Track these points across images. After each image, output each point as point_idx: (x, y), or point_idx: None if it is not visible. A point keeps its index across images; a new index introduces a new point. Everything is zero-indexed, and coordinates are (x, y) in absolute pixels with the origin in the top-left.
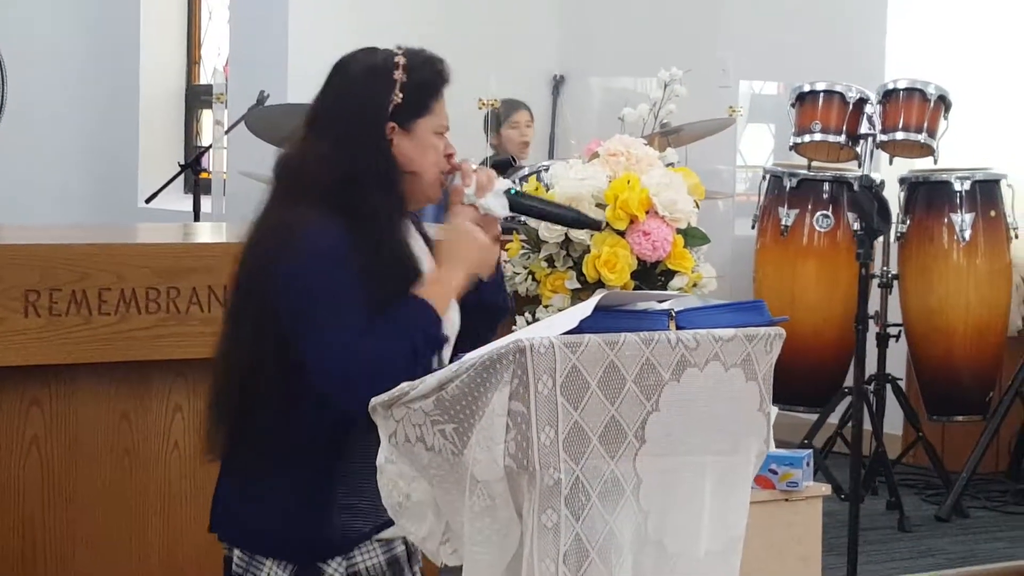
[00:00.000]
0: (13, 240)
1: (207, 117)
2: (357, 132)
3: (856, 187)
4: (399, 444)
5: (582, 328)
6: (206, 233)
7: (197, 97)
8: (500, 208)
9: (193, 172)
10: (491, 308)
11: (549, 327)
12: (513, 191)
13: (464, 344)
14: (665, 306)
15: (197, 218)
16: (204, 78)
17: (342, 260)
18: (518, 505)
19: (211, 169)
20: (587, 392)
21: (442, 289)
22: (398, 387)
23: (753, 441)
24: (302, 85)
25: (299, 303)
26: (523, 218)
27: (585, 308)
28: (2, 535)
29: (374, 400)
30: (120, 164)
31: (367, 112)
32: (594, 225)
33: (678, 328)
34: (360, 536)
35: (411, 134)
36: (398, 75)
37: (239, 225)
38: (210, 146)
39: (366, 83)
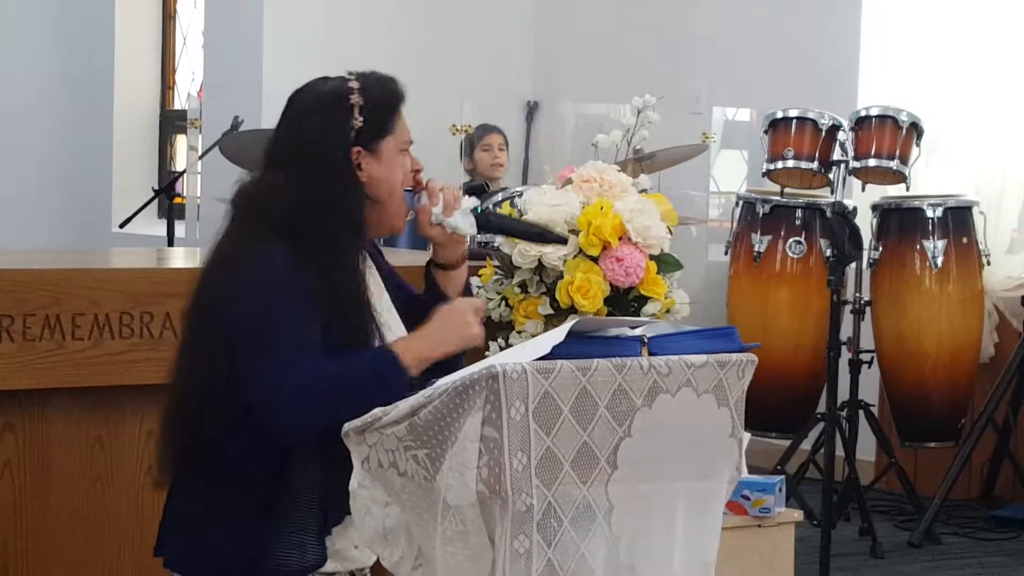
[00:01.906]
0: None
1: (181, 142)
2: (321, 161)
3: (828, 213)
4: (372, 469)
5: (555, 354)
6: (180, 258)
7: (171, 122)
8: (467, 226)
9: (167, 197)
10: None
11: (521, 353)
12: (479, 209)
13: (436, 371)
14: (638, 332)
15: (171, 243)
16: (179, 103)
17: (285, 289)
18: (490, 530)
19: (185, 194)
20: (559, 418)
21: (420, 352)
22: (371, 412)
23: (725, 467)
24: (277, 111)
25: (238, 332)
26: (496, 241)
27: (558, 334)
28: None
29: (347, 426)
30: (94, 189)
31: (330, 140)
32: (559, 240)
33: (651, 354)
34: (300, 570)
35: (377, 155)
36: (355, 99)
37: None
38: (184, 171)
39: (324, 112)
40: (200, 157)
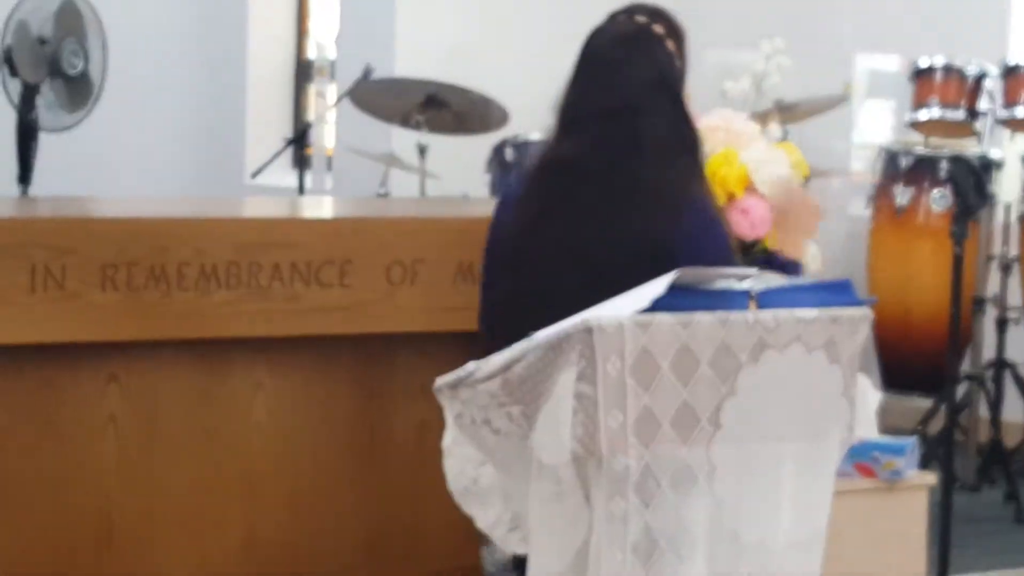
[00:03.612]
0: (92, 213)
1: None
2: (673, 107)
3: (960, 166)
4: (465, 426)
5: (656, 307)
6: (306, 208)
7: (306, 72)
8: None
9: (299, 147)
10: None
11: (620, 306)
12: None
13: None
14: (745, 285)
15: (302, 193)
16: (315, 53)
17: None
18: (586, 492)
19: (313, 144)
20: (658, 374)
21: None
22: (464, 367)
23: (836, 428)
24: (410, 61)
25: None
26: None
27: (659, 286)
28: (78, 514)
29: (439, 381)
30: (227, 139)
31: (669, 86)
32: None
33: (759, 308)
34: None
35: (687, 98)
36: (670, 45)
37: (344, 199)
38: (314, 121)
39: (658, 56)
40: (332, 106)
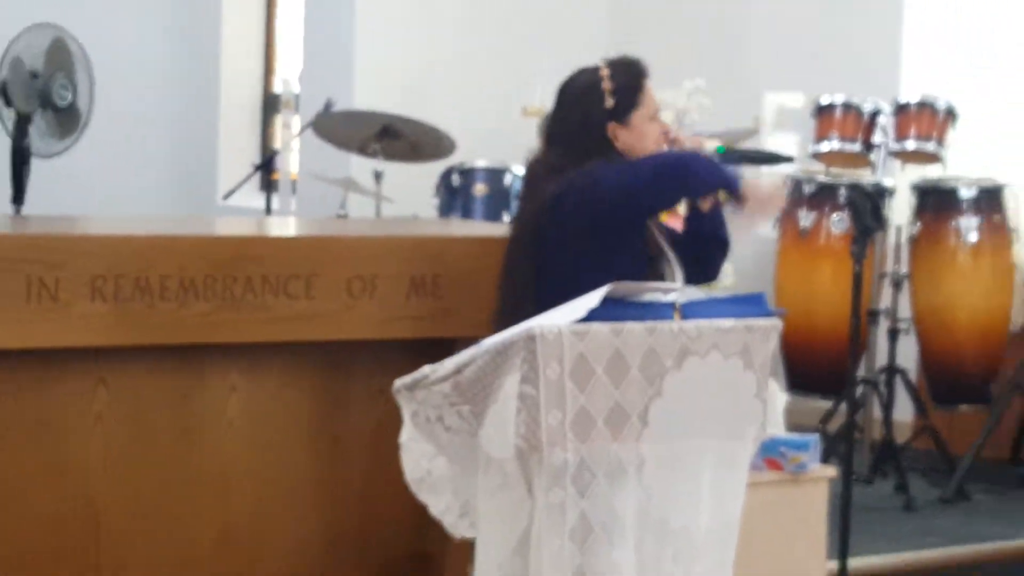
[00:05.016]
0: (82, 231)
1: (280, 123)
2: (583, 138)
3: (857, 193)
4: (420, 423)
5: (591, 317)
6: (274, 227)
7: (273, 104)
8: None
9: (266, 172)
10: (712, 239)
11: (559, 316)
12: (720, 149)
13: (696, 271)
14: (671, 298)
15: (269, 213)
16: (281, 87)
17: None
18: (529, 483)
19: (279, 170)
20: (593, 378)
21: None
22: (419, 370)
23: (750, 427)
24: (367, 94)
25: None
26: None
27: (594, 298)
28: (68, 506)
29: (397, 382)
30: (201, 164)
31: (589, 121)
32: (787, 159)
33: (683, 319)
34: None
35: (628, 126)
36: (605, 85)
37: (307, 219)
38: (280, 149)
39: (581, 99)
40: (296, 135)
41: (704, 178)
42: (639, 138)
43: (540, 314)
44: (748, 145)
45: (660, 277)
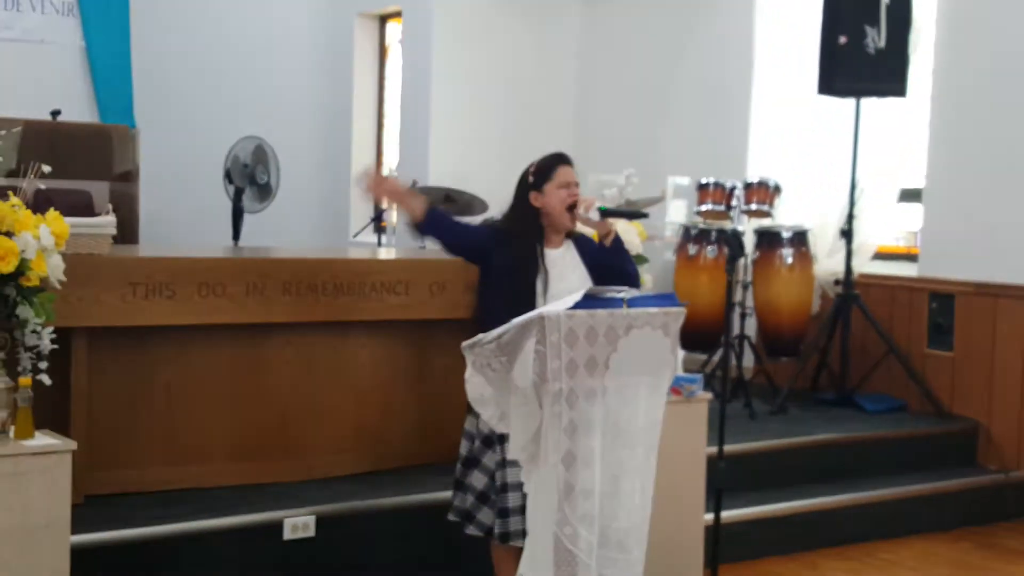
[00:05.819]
0: (275, 255)
1: None
2: (518, 200)
3: (723, 234)
4: (477, 367)
5: (576, 307)
6: (385, 254)
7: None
8: (596, 216)
9: (378, 220)
10: (615, 269)
11: (558, 306)
12: (602, 208)
13: (625, 283)
14: (621, 295)
15: (380, 246)
16: (386, 170)
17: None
18: (540, 401)
19: (385, 219)
20: (577, 341)
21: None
22: (476, 337)
23: (667, 369)
24: (438, 174)
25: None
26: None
27: (577, 296)
28: (269, 413)
29: (464, 344)
30: (338, 215)
31: (520, 190)
32: (643, 215)
33: (629, 307)
34: None
35: (543, 193)
36: (531, 169)
37: (403, 249)
38: (386, 207)
39: (520, 179)
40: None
41: (433, 225)
42: (549, 199)
43: (483, 303)
44: (648, 209)
45: (529, 284)
